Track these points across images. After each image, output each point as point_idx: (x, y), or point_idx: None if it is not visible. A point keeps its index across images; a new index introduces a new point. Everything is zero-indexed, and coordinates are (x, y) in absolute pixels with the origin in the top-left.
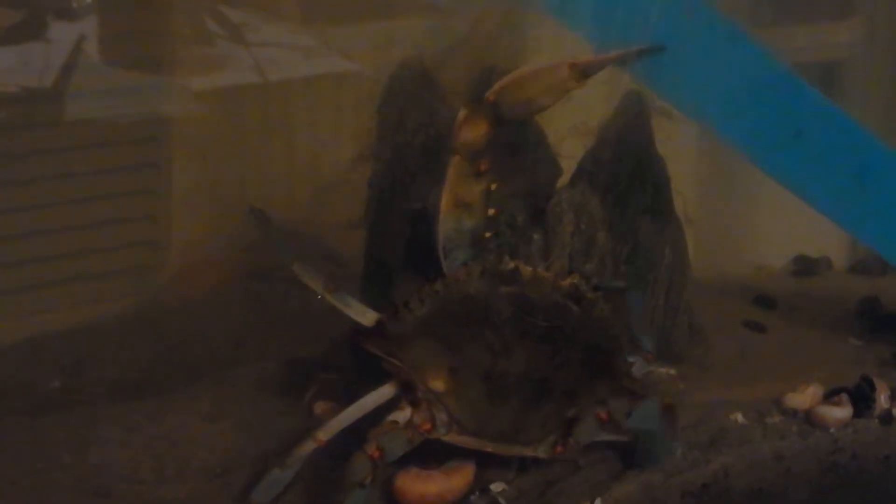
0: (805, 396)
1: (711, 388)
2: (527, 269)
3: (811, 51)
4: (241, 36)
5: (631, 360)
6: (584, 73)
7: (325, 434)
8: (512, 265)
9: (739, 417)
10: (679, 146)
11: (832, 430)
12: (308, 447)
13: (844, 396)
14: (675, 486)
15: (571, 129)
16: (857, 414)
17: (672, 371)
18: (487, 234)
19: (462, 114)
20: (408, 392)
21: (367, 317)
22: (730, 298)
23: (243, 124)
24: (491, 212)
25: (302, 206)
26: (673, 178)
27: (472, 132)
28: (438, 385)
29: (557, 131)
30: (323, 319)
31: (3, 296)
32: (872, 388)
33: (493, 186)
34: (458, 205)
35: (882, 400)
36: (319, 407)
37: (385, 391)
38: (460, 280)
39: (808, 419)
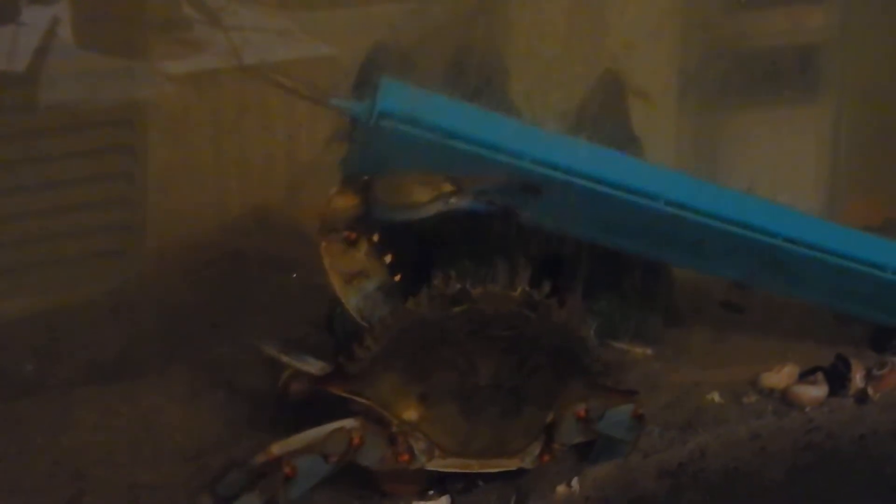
0: (781, 376)
1: (688, 369)
2: (476, 289)
3: (787, 34)
4: (217, 19)
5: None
6: (458, 182)
7: (279, 448)
8: (459, 286)
9: (716, 397)
10: (656, 127)
11: (808, 409)
12: (261, 459)
13: (820, 375)
14: (651, 466)
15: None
16: (833, 393)
17: (648, 351)
18: (397, 278)
19: (332, 190)
20: (381, 428)
21: (321, 369)
22: (706, 279)
23: (219, 107)
24: (388, 258)
25: (278, 188)
26: (650, 160)
27: (341, 204)
28: (411, 415)
29: (532, 110)
30: (299, 302)
31: None
32: (848, 367)
33: (376, 237)
34: (349, 280)
35: (857, 379)
36: (295, 389)
37: (349, 424)
38: (411, 310)
39: (784, 399)
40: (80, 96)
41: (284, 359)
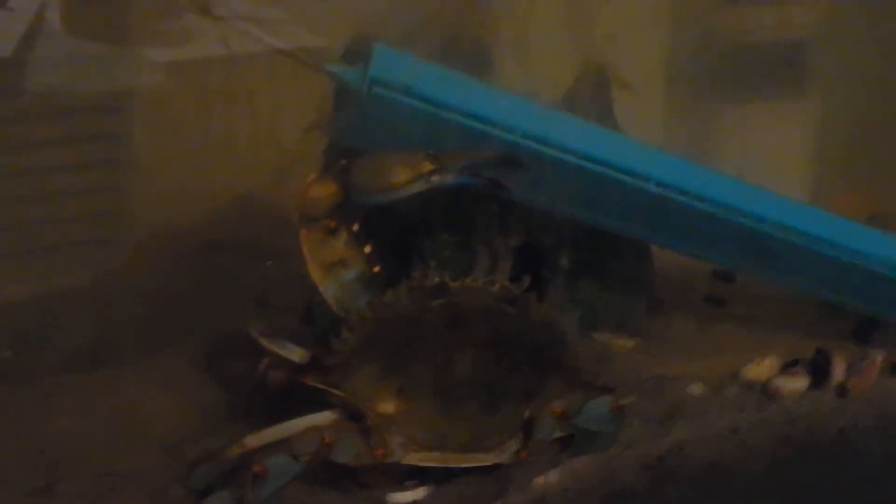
0: (762, 368)
1: (670, 362)
2: (454, 282)
3: (775, 30)
4: (206, 8)
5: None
6: (438, 160)
7: (253, 440)
8: (438, 280)
9: (697, 390)
10: (643, 119)
11: (788, 402)
12: (235, 451)
13: (801, 368)
14: (631, 458)
15: None
16: (814, 386)
17: (630, 343)
18: (376, 269)
19: (310, 178)
20: (356, 424)
21: (300, 356)
22: (689, 272)
23: (205, 96)
24: (367, 249)
25: (263, 176)
26: None
27: (320, 192)
28: (388, 408)
29: None
30: (280, 291)
31: None
32: (828, 360)
33: (356, 227)
34: (328, 269)
35: (838, 372)
36: (273, 378)
37: (325, 416)
38: (388, 303)
39: (765, 391)
40: (67, 82)
41: (265, 342)
